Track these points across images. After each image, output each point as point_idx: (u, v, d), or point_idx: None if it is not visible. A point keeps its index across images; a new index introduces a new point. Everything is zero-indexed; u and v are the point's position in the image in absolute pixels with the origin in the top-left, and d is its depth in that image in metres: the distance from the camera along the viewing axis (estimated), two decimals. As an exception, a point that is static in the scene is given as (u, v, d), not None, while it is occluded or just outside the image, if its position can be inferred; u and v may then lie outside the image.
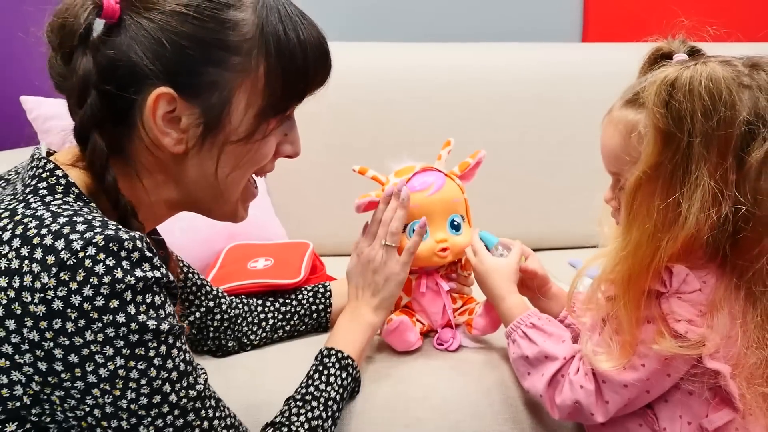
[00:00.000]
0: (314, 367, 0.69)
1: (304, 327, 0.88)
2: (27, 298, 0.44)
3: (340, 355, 0.70)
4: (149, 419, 0.48)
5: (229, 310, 0.83)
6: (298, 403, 0.65)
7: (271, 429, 0.62)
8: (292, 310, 0.88)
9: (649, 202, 0.56)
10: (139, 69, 0.51)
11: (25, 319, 0.44)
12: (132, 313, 0.46)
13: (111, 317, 0.45)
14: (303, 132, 1.34)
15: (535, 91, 1.32)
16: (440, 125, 1.27)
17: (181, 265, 0.79)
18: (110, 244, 0.46)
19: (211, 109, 0.54)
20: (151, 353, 0.48)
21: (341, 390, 0.67)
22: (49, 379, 0.46)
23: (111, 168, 0.52)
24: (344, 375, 0.68)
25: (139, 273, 0.46)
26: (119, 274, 0.45)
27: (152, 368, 0.48)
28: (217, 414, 0.54)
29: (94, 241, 0.45)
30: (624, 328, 0.59)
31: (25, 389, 0.46)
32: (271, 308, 0.87)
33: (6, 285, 0.45)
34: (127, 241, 0.47)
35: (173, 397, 0.49)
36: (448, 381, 0.77)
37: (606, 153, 0.65)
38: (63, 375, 0.46)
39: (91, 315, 0.45)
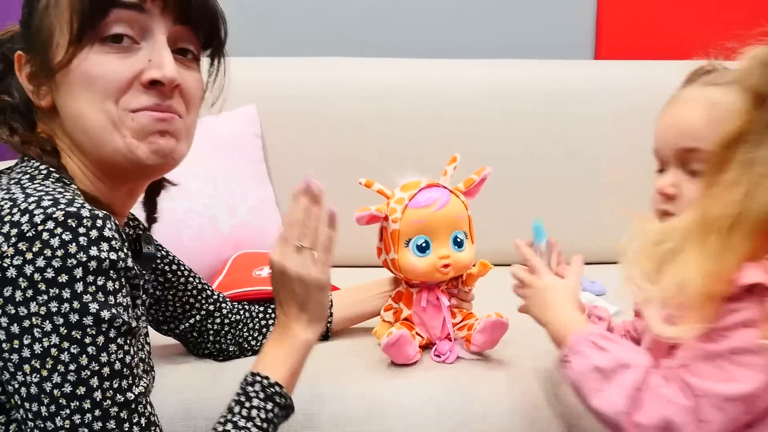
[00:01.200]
0: (236, 397, 0.61)
1: None
2: None
3: (265, 382, 0.61)
4: (67, 411, 0.46)
5: (230, 315, 0.84)
6: None
7: None
8: (294, 317, 0.88)
9: (740, 170, 0.53)
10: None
11: None
12: (78, 291, 0.46)
13: (57, 291, 0.45)
14: (313, 144, 1.36)
15: (543, 106, 1.34)
16: (449, 140, 1.28)
17: (182, 268, 0.80)
18: (69, 220, 0.46)
19: (40, 51, 0.55)
20: (87, 339, 0.46)
21: (264, 424, 0.60)
22: None
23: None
24: (269, 406, 0.60)
25: (93, 251, 0.46)
26: (73, 249, 0.46)
27: (84, 355, 0.46)
28: None
29: (54, 216, 0.46)
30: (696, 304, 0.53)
31: None
32: (273, 315, 0.88)
33: None
34: (87, 219, 0.47)
35: (98, 395, 0.47)
36: (443, 391, 0.77)
37: (679, 129, 0.61)
38: (4, 345, 0.46)
39: (39, 286, 0.45)
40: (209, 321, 0.83)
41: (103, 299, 0.47)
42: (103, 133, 0.54)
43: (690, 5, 1.57)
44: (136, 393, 0.49)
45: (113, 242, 0.48)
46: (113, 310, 0.47)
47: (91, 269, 0.46)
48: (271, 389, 0.61)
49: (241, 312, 0.86)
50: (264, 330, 0.87)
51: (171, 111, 0.56)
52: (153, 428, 0.51)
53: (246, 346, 0.85)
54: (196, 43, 0.59)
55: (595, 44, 1.61)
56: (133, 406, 0.49)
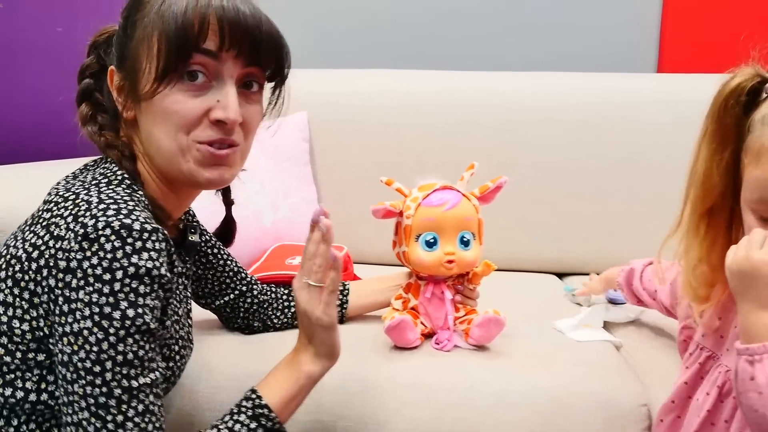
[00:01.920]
0: (233, 406, 0.68)
1: None
2: (59, 255, 0.58)
3: (257, 402, 0.67)
4: (83, 381, 0.57)
5: (259, 296, 0.95)
6: None
7: None
8: (313, 301, 0.98)
9: None
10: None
11: (54, 270, 0.58)
12: (115, 290, 0.56)
13: (100, 286, 0.56)
14: (357, 149, 1.45)
15: (600, 119, 1.36)
16: (489, 150, 1.35)
17: (222, 253, 0.91)
18: (122, 230, 0.57)
19: (130, 74, 0.65)
20: (111, 330, 0.57)
21: None
22: (51, 317, 0.59)
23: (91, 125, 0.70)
24: (253, 425, 0.66)
25: (134, 259, 0.57)
26: (119, 254, 0.57)
27: (105, 342, 0.57)
28: (137, 420, 0.58)
29: (112, 224, 0.57)
30: None
31: (45, 322, 0.60)
32: (295, 299, 0.98)
33: (53, 245, 0.59)
34: (137, 231, 0.58)
35: (108, 376, 0.57)
36: (434, 374, 0.84)
37: None
38: (57, 318, 0.58)
39: (89, 279, 0.56)
40: (241, 300, 0.94)
41: (133, 299, 0.57)
42: (172, 157, 0.65)
43: (755, 18, 1.54)
44: (141, 383, 0.58)
45: (152, 253, 0.58)
46: (138, 310, 0.58)
47: (130, 273, 0.57)
48: (259, 410, 0.67)
49: (269, 293, 0.97)
50: (286, 311, 0.97)
51: (230, 143, 0.66)
52: (148, 416, 0.59)
53: (269, 323, 0.96)
54: (261, 78, 0.68)
55: (658, 57, 1.60)
56: (134, 392, 0.58)
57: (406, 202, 0.92)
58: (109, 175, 0.66)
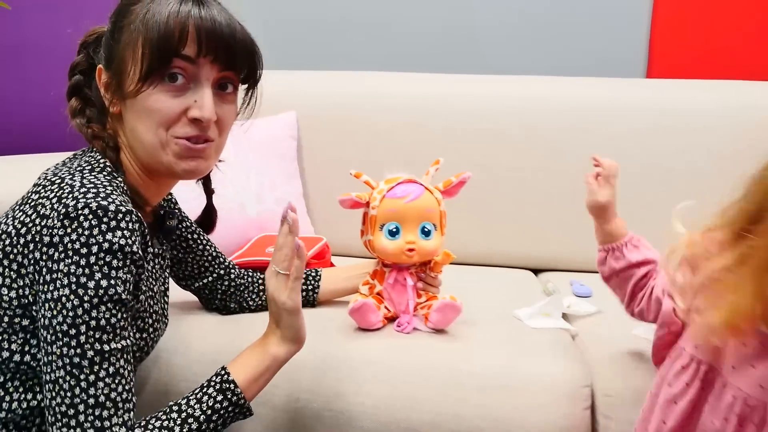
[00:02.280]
0: (206, 380, 0.74)
1: None
2: (44, 232, 0.65)
3: (225, 377, 0.73)
4: (60, 343, 0.63)
5: (236, 280, 1.02)
6: (169, 406, 0.70)
7: (148, 418, 0.69)
8: (285, 286, 1.04)
9: None
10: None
11: (39, 244, 0.65)
12: (91, 263, 0.63)
13: (78, 258, 0.63)
14: (344, 148, 1.50)
15: (586, 123, 1.38)
16: (476, 151, 1.40)
17: (202, 238, 0.98)
18: (99, 210, 0.64)
19: (117, 73, 0.72)
20: (86, 298, 0.63)
21: (209, 411, 0.70)
22: (35, 286, 0.66)
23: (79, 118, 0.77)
24: (219, 398, 0.71)
25: (109, 236, 0.64)
26: (95, 231, 0.64)
27: (80, 308, 0.63)
28: (107, 381, 0.63)
29: (90, 205, 0.64)
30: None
31: (30, 290, 0.67)
32: (271, 282, 1.04)
33: (38, 222, 0.66)
34: (112, 212, 0.64)
35: (82, 339, 0.63)
36: (395, 353, 0.91)
37: None
38: (41, 287, 0.65)
39: (69, 252, 0.63)
40: (219, 282, 1.01)
41: (107, 272, 0.64)
42: (153, 150, 0.72)
43: (746, 25, 1.56)
44: (112, 347, 0.64)
45: (125, 232, 0.65)
46: (111, 282, 0.64)
47: (104, 249, 0.63)
48: (226, 385, 0.72)
49: (245, 277, 1.04)
50: (261, 294, 1.04)
51: (206, 139, 0.72)
52: (118, 378, 0.64)
53: (245, 305, 1.03)
54: (235, 81, 0.75)
55: (648, 62, 1.62)
56: (106, 355, 0.64)
57: (373, 193, 0.98)
58: (92, 162, 0.73)
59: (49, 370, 0.65)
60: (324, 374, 0.89)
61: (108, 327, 0.65)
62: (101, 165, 0.73)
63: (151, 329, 0.81)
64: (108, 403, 0.64)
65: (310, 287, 1.05)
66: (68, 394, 0.63)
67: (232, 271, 1.02)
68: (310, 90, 1.52)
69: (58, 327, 0.64)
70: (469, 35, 1.67)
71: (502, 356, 0.91)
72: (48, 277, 0.64)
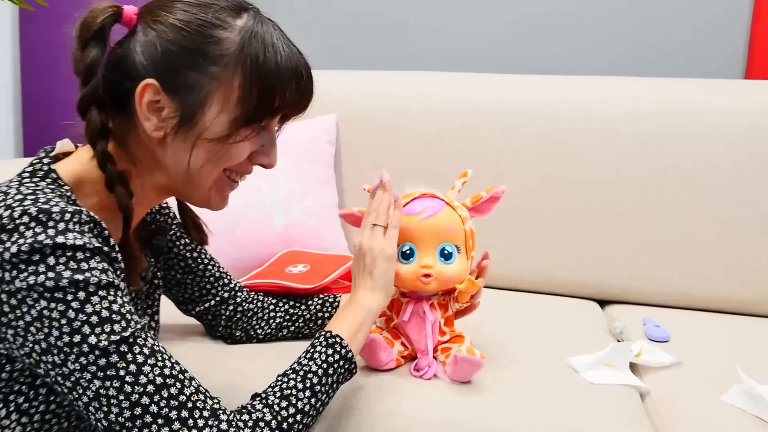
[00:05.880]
0: (305, 350, 0.69)
1: (308, 330, 0.92)
2: None
3: (328, 334, 0.70)
4: (74, 356, 0.53)
5: (243, 304, 0.91)
6: (279, 377, 0.66)
7: (254, 399, 0.64)
8: (299, 313, 0.92)
9: None
10: (136, 64, 0.62)
11: None
12: (50, 264, 0.53)
13: (34, 267, 0.53)
14: (389, 155, 1.36)
15: (658, 128, 1.18)
16: (534, 161, 1.22)
17: (203, 256, 0.88)
18: (41, 215, 0.54)
19: (187, 105, 0.62)
20: (69, 297, 0.53)
21: (324, 365, 0.67)
22: (2, 318, 0.55)
23: (102, 141, 0.62)
24: (330, 351, 0.68)
25: (60, 239, 0.54)
26: (41, 237, 0.54)
27: (71, 310, 0.53)
28: (150, 361, 0.55)
29: (29, 211, 0.54)
30: None
31: None
32: (281, 309, 0.92)
33: None
34: (56, 213, 0.55)
35: (93, 339, 0.53)
36: (410, 403, 0.74)
37: None
38: (10, 315, 0.54)
39: (19, 266, 0.53)
40: (223, 307, 0.90)
41: (75, 266, 0.54)
42: (203, 187, 0.67)
43: None
44: (131, 331, 0.55)
45: (76, 233, 0.55)
46: (86, 273, 0.54)
47: (59, 249, 0.54)
48: (332, 339, 0.69)
49: (254, 302, 0.92)
50: (271, 321, 0.92)
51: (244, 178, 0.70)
52: (158, 354, 0.56)
53: (252, 333, 0.91)
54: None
55: (747, 63, 1.41)
56: (131, 340, 0.55)
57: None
58: (33, 167, 0.62)
59: (80, 393, 0.54)
60: (329, 426, 0.74)
61: (114, 315, 0.55)
62: (44, 170, 0.62)
63: None
64: (170, 380, 0.56)
65: (326, 314, 0.91)
66: (120, 398, 0.54)
67: (239, 294, 0.91)
68: (353, 91, 1.39)
69: (59, 342, 0.53)
70: (532, 30, 1.50)
71: (547, 419, 0.71)
72: (13, 302, 0.54)
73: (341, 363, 0.68)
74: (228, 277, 0.92)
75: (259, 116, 0.64)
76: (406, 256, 0.79)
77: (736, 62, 1.42)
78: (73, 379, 0.54)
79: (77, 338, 0.53)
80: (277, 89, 0.63)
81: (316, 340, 0.69)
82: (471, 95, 1.30)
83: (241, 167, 0.68)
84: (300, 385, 0.64)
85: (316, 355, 0.67)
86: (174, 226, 0.86)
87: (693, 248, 1.14)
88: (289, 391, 0.63)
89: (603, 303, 1.20)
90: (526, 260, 1.22)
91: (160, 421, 0.54)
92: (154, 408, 0.54)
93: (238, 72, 0.62)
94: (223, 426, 0.56)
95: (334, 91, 1.39)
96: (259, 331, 0.91)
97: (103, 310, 0.54)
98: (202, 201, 0.69)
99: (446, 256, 0.78)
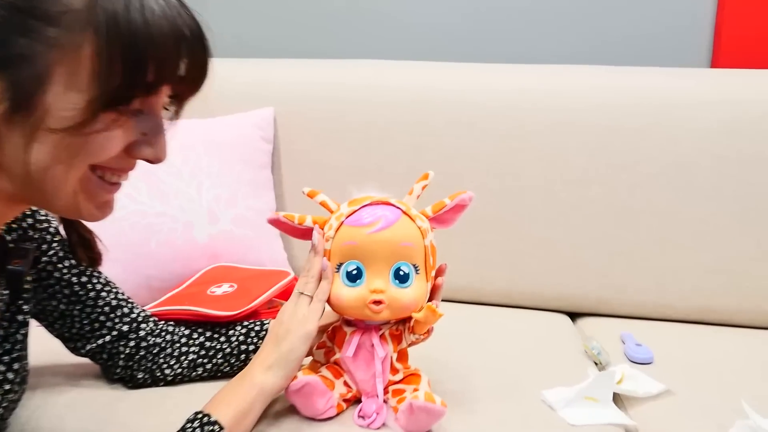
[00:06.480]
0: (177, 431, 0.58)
1: (228, 368, 0.75)
2: None
3: (205, 419, 0.59)
4: None
5: (148, 338, 0.74)
6: None
7: None
8: (218, 346, 0.75)
9: None
10: None
11: None
12: None
13: None
14: (335, 152, 1.21)
15: (626, 121, 1.08)
16: (493, 157, 1.10)
17: (94, 281, 0.71)
18: None
19: (20, 84, 0.45)
20: None
21: None
22: None
23: None
24: None
25: None
26: None
27: None
28: None
29: None
30: None
31: None
32: (196, 342, 0.75)
33: None
34: None
35: None
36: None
37: None
38: None
39: None
40: (121, 343, 0.72)
41: None
42: (60, 194, 0.49)
43: None
44: None
45: None
46: None
47: None
48: (209, 427, 0.58)
49: (163, 335, 0.75)
50: (182, 359, 0.74)
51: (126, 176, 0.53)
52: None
53: (159, 374, 0.74)
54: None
55: (712, 51, 1.34)
56: None
57: (330, 219, 0.68)
58: None
59: None
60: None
61: None
62: None
63: None
64: None
65: (251, 347, 0.75)
66: None
67: (143, 326, 0.74)
68: (292, 81, 1.22)
69: None
70: (491, 17, 1.38)
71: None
72: None
73: None
74: (129, 305, 0.74)
75: (127, 95, 0.47)
76: (353, 277, 0.64)
77: (702, 51, 1.35)
78: None
79: None
80: (149, 56, 0.46)
81: (188, 423, 0.58)
82: (424, 86, 1.16)
83: (115, 163, 0.50)
84: None
85: None
86: (55, 244, 0.68)
87: (667, 251, 1.04)
88: None
89: (573, 315, 1.08)
90: (486, 269, 1.09)
91: None
92: None
93: (88, 35, 0.44)
94: None
95: (270, 81, 1.22)
96: (167, 372, 0.74)
97: None
98: (69, 210, 0.52)
99: (402, 278, 0.63)
